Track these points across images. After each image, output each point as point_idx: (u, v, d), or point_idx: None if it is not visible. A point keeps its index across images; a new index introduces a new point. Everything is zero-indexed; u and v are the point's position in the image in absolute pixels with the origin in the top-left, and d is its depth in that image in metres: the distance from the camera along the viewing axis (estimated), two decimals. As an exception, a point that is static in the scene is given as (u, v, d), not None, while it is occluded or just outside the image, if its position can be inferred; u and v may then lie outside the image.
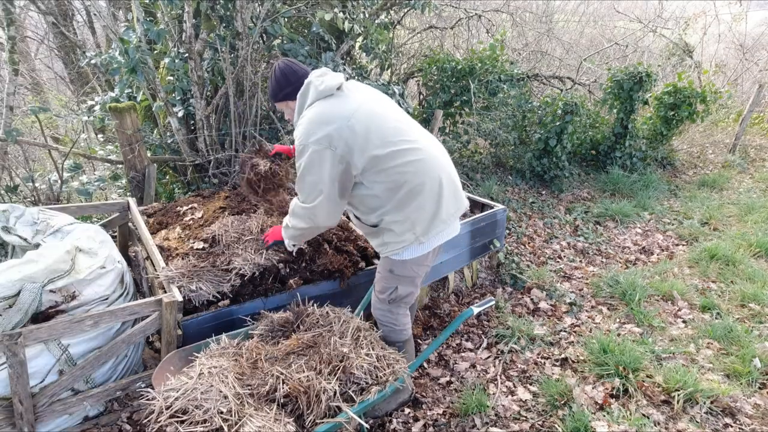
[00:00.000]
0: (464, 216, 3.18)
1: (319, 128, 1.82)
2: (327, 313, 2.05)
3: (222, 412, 1.52)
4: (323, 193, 1.87)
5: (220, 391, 1.58)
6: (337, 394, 1.70)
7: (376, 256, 2.62)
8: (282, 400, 1.65)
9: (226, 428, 1.48)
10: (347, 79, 2.09)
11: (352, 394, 1.73)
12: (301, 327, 2.00)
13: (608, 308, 3.29)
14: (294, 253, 2.34)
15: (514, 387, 2.50)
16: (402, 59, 6.37)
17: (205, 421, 1.50)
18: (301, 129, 1.87)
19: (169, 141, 3.82)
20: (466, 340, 2.90)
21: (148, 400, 1.59)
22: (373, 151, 1.84)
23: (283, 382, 1.67)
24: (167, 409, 1.52)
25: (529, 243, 4.20)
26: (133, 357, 2.23)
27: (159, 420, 1.50)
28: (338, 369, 1.76)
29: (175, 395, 1.56)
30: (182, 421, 1.49)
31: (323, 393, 1.66)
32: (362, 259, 2.57)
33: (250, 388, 1.65)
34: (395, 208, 1.93)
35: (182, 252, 2.35)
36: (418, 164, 1.91)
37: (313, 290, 2.35)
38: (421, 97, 6.02)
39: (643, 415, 2.27)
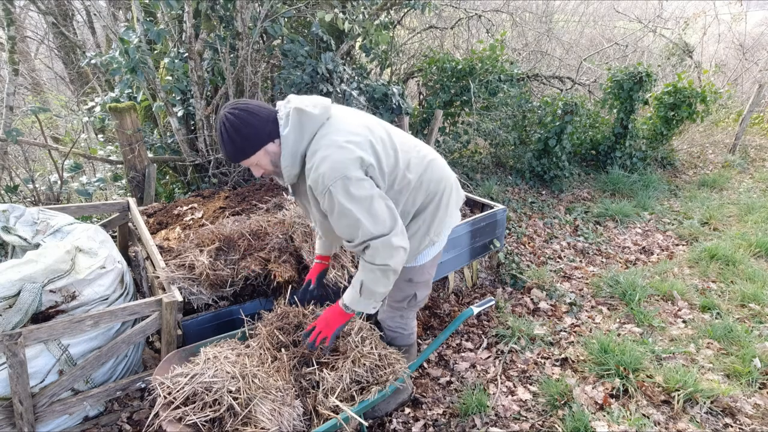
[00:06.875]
0: (464, 216, 3.18)
1: (349, 154, 1.55)
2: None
3: (231, 391, 1.53)
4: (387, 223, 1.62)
5: (228, 372, 1.60)
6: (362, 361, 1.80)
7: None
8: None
9: (237, 407, 1.49)
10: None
11: (353, 393, 1.74)
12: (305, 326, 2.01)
13: (608, 308, 3.28)
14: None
15: (514, 387, 2.50)
16: (402, 59, 6.36)
17: (215, 401, 1.51)
18: (327, 165, 1.53)
19: (169, 141, 3.83)
20: (466, 340, 2.90)
21: (159, 386, 1.59)
22: (396, 164, 1.71)
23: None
24: (177, 393, 1.53)
25: (529, 243, 4.20)
26: (133, 357, 2.23)
27: (167, 409, 1.51)
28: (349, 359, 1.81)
29: (184, 380, 1.57)
30: (192, 407, 1.51)
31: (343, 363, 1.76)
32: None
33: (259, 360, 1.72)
34: (414, 217, 1.85)
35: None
36: (434, 169, 1.85)
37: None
38: (421, 97, 6.02)
39: (643, 415, 2.27)
